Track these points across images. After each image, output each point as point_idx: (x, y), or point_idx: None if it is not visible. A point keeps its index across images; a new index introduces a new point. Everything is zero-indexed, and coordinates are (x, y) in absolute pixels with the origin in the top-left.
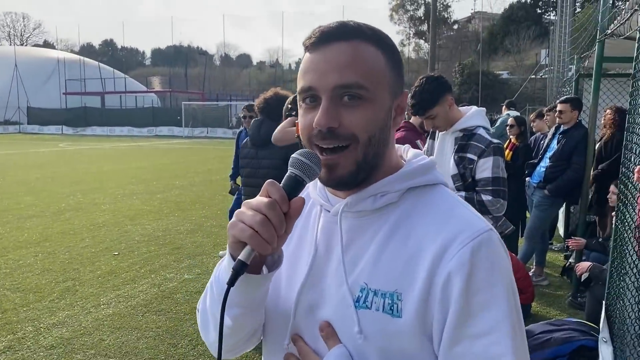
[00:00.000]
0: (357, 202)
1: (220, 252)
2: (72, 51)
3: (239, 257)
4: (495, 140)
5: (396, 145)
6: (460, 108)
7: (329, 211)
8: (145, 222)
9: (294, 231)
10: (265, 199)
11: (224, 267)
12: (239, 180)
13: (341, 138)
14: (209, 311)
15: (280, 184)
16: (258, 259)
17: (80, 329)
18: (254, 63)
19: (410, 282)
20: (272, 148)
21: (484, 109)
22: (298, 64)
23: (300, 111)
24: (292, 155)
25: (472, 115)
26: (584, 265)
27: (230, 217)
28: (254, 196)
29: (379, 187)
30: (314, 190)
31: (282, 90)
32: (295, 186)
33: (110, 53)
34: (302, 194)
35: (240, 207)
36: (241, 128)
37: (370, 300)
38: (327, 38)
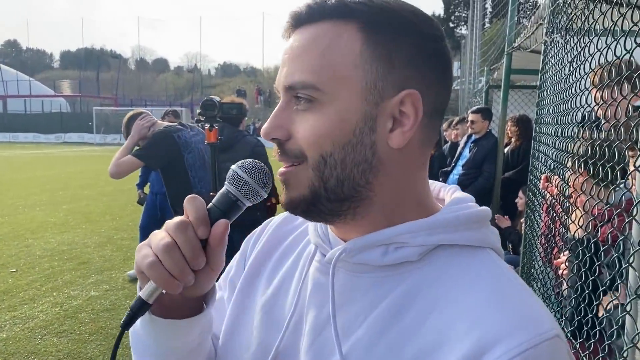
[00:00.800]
0: (360, 250)
1: (129, 272)
2: None
3: (139, 294)
4: None
5: (436, 184)
6: None
7: (325, 255)
8: (48, 235)
9: (276, 270)
10: (177, 219)
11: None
12: (146, 188)
13: (289, 155)
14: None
15: (210, 203)
16: (179, 296)
17: None
18: (171, 68)
19: None
20: (235, 152)
21: None
22: (217, 69)
23: None
24: (231, 167)
25: None
26: None
27: (141, 234)
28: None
29: (394, 233)
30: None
31: (237, 98)
32: (228, 208)
33: (13, 54)
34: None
35: (152, 221)
36: None
37: None
38: (295, 23)
